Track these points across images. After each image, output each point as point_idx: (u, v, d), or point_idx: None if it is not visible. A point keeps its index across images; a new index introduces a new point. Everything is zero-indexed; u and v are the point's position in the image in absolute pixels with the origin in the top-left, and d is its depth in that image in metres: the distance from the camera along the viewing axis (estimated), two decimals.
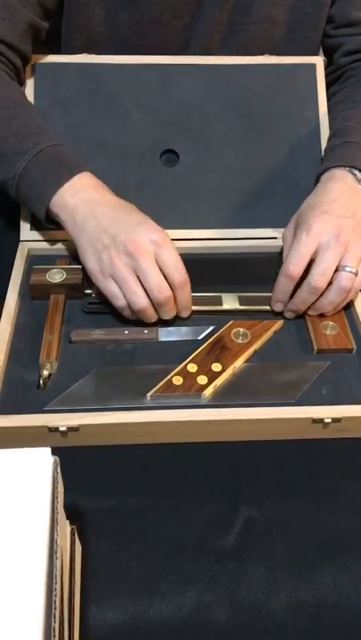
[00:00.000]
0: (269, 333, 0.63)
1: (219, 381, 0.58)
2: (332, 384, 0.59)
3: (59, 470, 0.36)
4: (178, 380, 0.57)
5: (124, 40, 0.75)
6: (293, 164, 0.74)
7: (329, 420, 0.55)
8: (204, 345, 0.60)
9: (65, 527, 0.42)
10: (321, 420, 0.55)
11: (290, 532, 0.51)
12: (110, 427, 0.54)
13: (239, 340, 0.61)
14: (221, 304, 0.65)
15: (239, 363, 0.59)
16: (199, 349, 0.60)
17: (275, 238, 0.73)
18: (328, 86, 0.79)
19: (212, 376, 0.58)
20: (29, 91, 0.74)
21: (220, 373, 0.58)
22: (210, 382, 0.57)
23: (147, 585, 0.48)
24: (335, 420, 0.55)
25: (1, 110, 0.66)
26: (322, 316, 0.64)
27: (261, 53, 0.77)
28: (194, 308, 0.64)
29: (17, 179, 0.63)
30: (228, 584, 0.48)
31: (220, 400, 0.57)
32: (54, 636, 0.29)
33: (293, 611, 0.47)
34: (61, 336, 0.62)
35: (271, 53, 0.77)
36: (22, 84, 0.74)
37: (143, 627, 0.46)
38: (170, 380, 0.57)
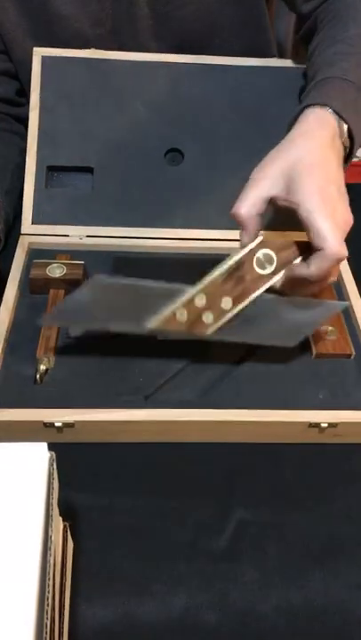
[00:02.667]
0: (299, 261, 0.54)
1: (224, 319, 0.53)
2: (329, 389, 0.58)
3: (55, 465, 0.36)
4: (182, 315, 0.52)
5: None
6: None
7: (325, 425, 0.55)
8: (220, 270, 0.52)
9: (58, 524, 0.41)
10: (317, 425, 0.55)
11: (283, 536, 0.51)
12: (106, 424, 0.54)
13: (261, 271, 0.53)
14: None
15: (253, 297, 0.53)
16: (214, 274, 0.52)
17: None
18: (304, 44, 0.74)
19: (219, 315, 0.53)
20: (35, 83, 0.73)
21: (228, 312, 0.53)
22: (215, 321, 0.53)
23: (137, 585, 0.48)
24: (331, 425, 0.55)
25: None
26: None
27: (201, 36, 0.75)
28: None
29: None
30: (220, 586, 0.48)
31: (221, 334, 0.54)
32: (46, 632, 0.29)
33: (284, 615, 0.47)
34: (60, 331, 0.61)
35: (211, 32, 0.74)
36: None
37: (133, 627, 0.46)
38: (173, 312, 0.52)
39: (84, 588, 0.47)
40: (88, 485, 0.53)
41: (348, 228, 0.51)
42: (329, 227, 0.49)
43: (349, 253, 0.73)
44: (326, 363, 0.61)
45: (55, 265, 0.65)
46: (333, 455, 0.56)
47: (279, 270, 0.54)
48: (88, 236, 0.71)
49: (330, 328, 0.63)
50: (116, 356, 0.60)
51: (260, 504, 0.52)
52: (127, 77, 0.74)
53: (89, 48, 0.74)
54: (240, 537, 0.50)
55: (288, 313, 0.54)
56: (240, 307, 0.54)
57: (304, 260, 0.53)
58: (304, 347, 0.62)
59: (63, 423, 0.53)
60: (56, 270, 0.65)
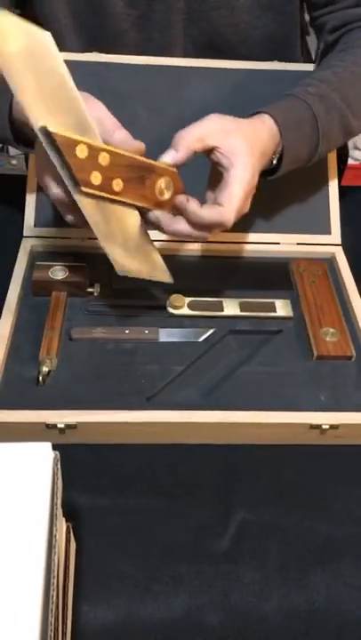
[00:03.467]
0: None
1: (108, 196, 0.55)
2: (330, 390, 0.59)
3: (59, 466, 0.36)
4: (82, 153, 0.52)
5: (88, 32, 0.75)
6: (299, 171, 0.74)
7: (327, 427, 0.55)
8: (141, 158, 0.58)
9: (62, 524, 0.41)
10: (319, 426, 0.55)
11: (284, 537, 0.51)
12: (108, 425, 0.54)
13: (158, 194, 0.58)
14: (222, 309, 0.65)
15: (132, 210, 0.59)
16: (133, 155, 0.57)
17: (278, 244, 0.73)
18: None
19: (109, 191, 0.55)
20: None
21: (115, 193, 0.55)
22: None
23: (139, 586, 0.48)
24: (333, 427, 0.55)
25: None
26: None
27: (228, 42, 0.76)
28: (195, 312, 0.64)
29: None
30: (221, 587, 0.48)
31: None
32: (51, 630, 0.29)
33: (285, 615, 0.47)
34: (62, 333, 0.62)
35: (239, 41, 0.76)
36: None
37: (134, 627, 0.46)
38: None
39: (86, 589, 0.47)
40: (90, 486, 0.53)
41: (239, 215, 0.59)
42: (238, 198, 0.58)
43: (351, 256, 0.74)
44: (327, 364, 0.61)
45: (57, 267, 0.66)
46: (335, 456, 0.56)
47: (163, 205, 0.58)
48: (90, 239, 0.71)
49: (331, 330, 0.63)
50: (118, 357, 0.60)
51: (262, 505, 0.53)
52: (129, 81, 0.74)
53: (115, 27, 0.73)
54: (241, 538, 0.51)
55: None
56: (123, 199, 0.56)
57: None
58: (305, 349, 0.63)
59: (65, 424, 0.53)
60: (58, 273, 0.65)
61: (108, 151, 0.54)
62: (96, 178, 0.53)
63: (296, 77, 0.76)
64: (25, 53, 0.48)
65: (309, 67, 0.77)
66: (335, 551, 0.50)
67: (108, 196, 0.55)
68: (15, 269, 0.67)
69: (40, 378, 0.57)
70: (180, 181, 0.59)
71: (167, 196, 0.58)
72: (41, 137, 0.50)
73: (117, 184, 0.55)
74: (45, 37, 0.50)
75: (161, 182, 0.58)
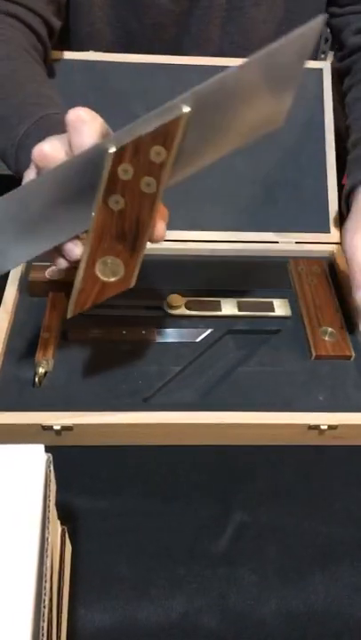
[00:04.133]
0: None
1: None
2: (329, 391, 0.58)
3: (52, 468, 0.36)
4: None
5: (124, 25, 0.75)
6: (299, 169, 0.74)
7: (325, 427, 0.54)
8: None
9: (56, 526, 0.41)
10: (317, 427, 0.54)
11: (283, 539, 0.50)
12: (105, 427, 0.54)
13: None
14: (220, 309, 0.65)
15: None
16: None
17: (276, 242, 0.72)
18: (340, 75, 0.77)
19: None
20: None
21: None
22: None
23: (136, 588, 0.47)
24: (331, 427, 0.55)
25: (9, 82, 0.61)
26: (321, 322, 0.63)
27: (262, 39, 0.75)
28: (192, 312, 0.64)
29: (16, 145, 0.57)
30: (219, 590, 0.48)
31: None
32: (42, 635, 0.28)
33: (284, 618, 0.46)
34: (59, 334, 0.61)
35: (272, 38, 0.76)
36: (48, 56, 0.71)
37: (131, 631, 0.46)
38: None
39: (82, 592, 0.47)
40: (86, 488, 0.53)
41: None
42: None
43: None
44: (326, 364, 0.61)
45: (54, 268, 0.65)
46: (333, 457, 0.56)
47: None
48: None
49: (329, 330, 0.63)
50: (115, 358, 0.60)
51: (260, 506, 0.52)
52: (128, 79, 0.74)
53: (156, 23, 0.73)
54: (239, 540, 0.50)
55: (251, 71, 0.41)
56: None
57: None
58: (304, 348, 0.62)
59: (62, 426, 0.53)
60: (55, 273, 0.65)
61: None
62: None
63: (304, 74, 0.76)
64: None
65: (313, 64, 0.76)
66: (334, 553, 0.50)
67: None
68: (11, 270, 0.67)
69: (36, 379, 0.57)
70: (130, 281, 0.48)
71: (111, 278, 0.46)
72: None
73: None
74: None
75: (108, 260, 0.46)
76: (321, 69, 0.76)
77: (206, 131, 0.42)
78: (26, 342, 0.60)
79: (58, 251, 0.48)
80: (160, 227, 0.46)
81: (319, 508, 0.52)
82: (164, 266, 0.69)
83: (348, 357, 0.61)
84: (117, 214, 0.43)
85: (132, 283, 0.47)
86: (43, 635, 0.29)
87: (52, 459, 0.36)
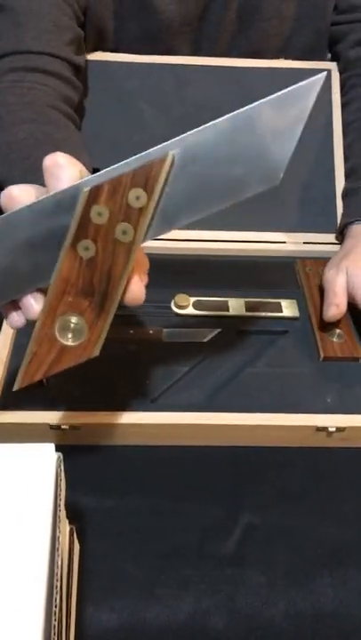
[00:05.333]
0: None
1: None
2: (337, 392, 0.58)
3: (62, 467, 0.36)
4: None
5: (135, 49, 0.75)
6: (305, 170, 0.74)
7: (333, 429, 0.54)
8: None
9: (65, 525, 0.41)
10: (325, 429, 0.54)
11: (291, 541, 0.50)
12: (112, 427, 0.54)
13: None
14: (228, 309, 0.65)
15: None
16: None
17: (284, 242, 0.72)
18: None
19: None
20: None
21: None
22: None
23: (143, 588, 0.47)
24: (339, 430, 0.54)
25: (25, 147, 0.59)
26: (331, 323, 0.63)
27: (271, 50, 0.76)
28: (200, 312, 0.64)
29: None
30: (227, 591, 0.47)
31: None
32: (54, 633, 0.28)
33: (292, 620, 0.46)
34: None
35: (280, 49, 0.76)
36: (80, 94, 0.71)
37: (139, 631, 0.45)
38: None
39: (90, 592, 0.46)
40: (94, 488, 0.52)
41: None
42: None
43: None
44: (334, 366, 0.60)
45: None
46: (341, 459, 0.56)
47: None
48: None
49: (338, 331, 0.62)
50: (123, 358, 0.60)
51: (268, 508, 0.52)
52: (133, 79, 0.74)
53: (169, 44, 0.74)
54: (247, 541, 0.50)
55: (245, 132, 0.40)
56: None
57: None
58: (312, 350, 0.62)
59: (69, 426, 0.53)
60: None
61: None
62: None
63: (301, 75, 0.75)
64: None
65: (314, 64, 0.76)
66: (343, 555, 0.49)
67: None
68: None
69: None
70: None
71: (71, 342, 0.42)
72: None
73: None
74: None
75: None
76: (329, 70, 0.76)
77: (193, 181, 0.39)
78: None
79: (14, 305, 0.42)
80: (136, 286, 0.40)
81: (328, 509, 0.52)
82: (172, 265, 0.69)
83: (357, 359, 0.61)
84: (86, 263, 0.38)
85: (96, 352, 0.41)
86: (54, 633, 0.29)
87: (62, 457, 0.36)
